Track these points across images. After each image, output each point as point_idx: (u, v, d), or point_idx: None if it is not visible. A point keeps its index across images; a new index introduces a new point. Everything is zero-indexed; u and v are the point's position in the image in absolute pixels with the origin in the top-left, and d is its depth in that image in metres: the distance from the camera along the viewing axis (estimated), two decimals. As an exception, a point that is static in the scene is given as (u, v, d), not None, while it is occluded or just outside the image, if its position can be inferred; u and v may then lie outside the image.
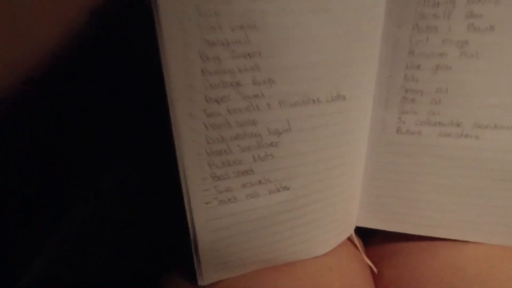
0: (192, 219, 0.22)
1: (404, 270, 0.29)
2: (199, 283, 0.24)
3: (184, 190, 0.21)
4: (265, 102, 0.21)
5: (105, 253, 0.33)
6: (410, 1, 0.22)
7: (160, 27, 0.18)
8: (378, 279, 0.30)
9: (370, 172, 0.28)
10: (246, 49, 0.20)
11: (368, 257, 0.32)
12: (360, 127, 0.25)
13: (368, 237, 0.33)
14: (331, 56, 0.21)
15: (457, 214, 0.26)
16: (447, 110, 0.24)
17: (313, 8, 0.20)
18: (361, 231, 0.34)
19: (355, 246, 0.31)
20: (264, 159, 0.22)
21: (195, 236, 0.22)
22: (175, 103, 0.20)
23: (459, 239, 0.27)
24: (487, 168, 0.24)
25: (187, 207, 0.21)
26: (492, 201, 0.25)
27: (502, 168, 0.24)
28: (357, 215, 0.29)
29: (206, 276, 0.24)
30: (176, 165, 0.21)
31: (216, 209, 0.22)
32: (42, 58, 0.17)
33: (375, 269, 0.30)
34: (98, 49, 0.30)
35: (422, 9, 0.22)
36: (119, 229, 0.34)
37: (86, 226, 0.30)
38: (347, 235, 0.29)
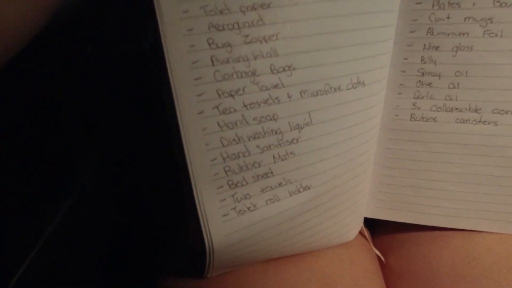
0: (208, 234, 0.18)
1: (414, 261, 0.28)
2: (205, 276, 0.22)
3: (197, 204, 0.18)
4: (285, 93, 0.18)
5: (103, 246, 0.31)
6: (432, -25, 0.20)
7: (160, 13, 0.15)
8: (388, 270, 0.29)
9: (382, 160, 0.26)
10: (261, 32, 0.17)
11: (376, 247, 0.31)
12: (376, 114, 0.24)
13: (375, 226, 0.32)
14: (350, 35, 0.19)
15: (472, 204, 0.26)
16: (466, 95, 0.23)
17: None
18: (368, 221, 0.33)
19: (364, 236, 0.30)
20: (285, 158, 0.19)
21: (211, 251, 0.19)
22: (182, 101, 0.16)
23: (474, 229, 0.27)
24: (504, 155, 0.24)
25: (202, 222, 0.18)
26: (508, 190, 0.25)
27: None
28: (366, 205, 0.28)
29: (215, 272, 0.22)
30: (182, 170, 0.18)
31: (235, 221, 0.19)
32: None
33: (383, 259, 0.30)
34: (96, 43, 0.27)
35: (444, -16, 0.20)
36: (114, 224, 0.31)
37: (83, 226, 0.27)
38: (359, 228, 0.28)
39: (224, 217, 0.18)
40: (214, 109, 0.17)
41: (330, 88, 0.19)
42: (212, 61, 0.16)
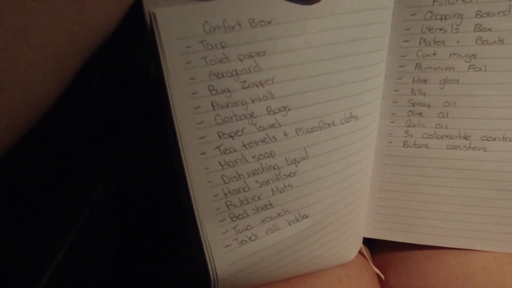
0: (212, 264, 0.20)
1: (411, 278, 0.29)
2: None
3: (201, 237, 0.19)
4: (282, 132, 0.19)
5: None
6: (417, 16, 0.22)
7: (165, 64, 0.16)
8: (386, 287, 0.31)
9: (378, 184, 0.28)
10: (257, 78, 0.18)
11: (375, 265, 0.32)
12: (370, 143, 0.25)
13: (374, 245, 0.33)
14: (342, 75, 0.21)
15: (465, 224, 0.27)
16: (455, 123, 0.24)
17: (323, 28, 0.19)
18: (369, 240, 0.34)
19: (363, 255, 0.31)
20: (283, 190, 0.21)
21: (215, 279, 0.20)
22: (186, 143, 0.18)
23: (468, 248, 0.28)
24: (495, 179, 0.25)
25: (206, 254, 0.19)
26: (499, 211, 0.26)
27: (510, 179, 0.25)
28: (365, 226, 0.29)
29: None
30: (186, 205, 0.19)
31: (237, 251, 0.20)
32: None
33: (382, 277, 0.31)
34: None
35: (429, 24, 0.22)
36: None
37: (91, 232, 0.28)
38: (358, 248, 0.29)
39: (227, 248, 0.20)
40: (215, 150, 0.18)
41: (324, 124, 0.21)
42: (213, 106, 0.18)
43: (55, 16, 0.14)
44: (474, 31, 0.21)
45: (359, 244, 0.29)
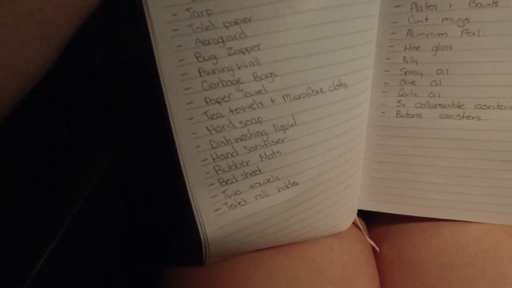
0: (203, 228, 0.20)
1: (405, 249, 0.29)
2: (204, 263, 0.24)
3: (191, 200, 0.20)
4: (268, 98, 0.20)
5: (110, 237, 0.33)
6: (409, -21, 0.21)
7: (152, 32, 0.17)
8: (380, 258, 0.31)
9: (371, 156, 0.28)
10: (243, 44, 0.18)
11: (371, 237, 0.32)
12: (361, 112, 0.25)
13: (370, 217, 0.34)
14: (330, 41, 0.20)
15: (458, 195, 0.27)
16: (448, 92, 0.24)
17: None
18: (363, 212, 0.34)
19: (358, 227, 0.31)
20: (272, 157, 0.21)
21: (206, 242, 0.21)
22: (174, 108, 0.18)
23: (461, 219, 0.28)
24: (489, 149, 0.25)
25: (196, 217, 0.20)
26: (494, 182, 0.25)
27: (505, 148, 0.24)
28: (359, 198, 0.30)
29: (213, 259, 0.24)
30: (178, 171, 0.20)
31: (226, 215, 0.21)
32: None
33: (377, 249, 0.31)
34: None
35: (421, -13, 0.21)
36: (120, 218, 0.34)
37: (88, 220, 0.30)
38: (352, 219, 0.29)
39: (216, 212, 0.20)
40: (203, 115, 0.19)
41: (312, 91, 0.21)
42: (200, 73, 0.18)
43: None
44: (467, -6, 0.21)
45: (353, 215, 0.29)
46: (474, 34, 0.22)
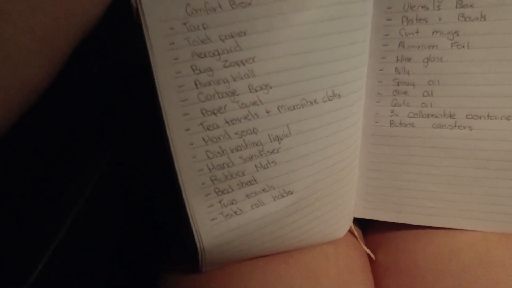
0: (199, 236, 0.21)
1: (400, 256, 0.29)
2: (201, 271, 0.24)
3: (187, 209, 0.20)
4: (263, 109, 0.20)
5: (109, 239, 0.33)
6: (399, -7, 0.22)
7: (150, 45, 0.17)
8: (375, 266, 0.31)
9: (366, 164, 0.28)
10: (238, 57, 0.19)
11: (366, 244, 0.32)
12: (355, 122, 0.25)
13: (366, 225, 0.34)
14: (323, 53, 0.21)
15: (452, 203, 0.27)
16: (440, 102, 0.24)
17: (302, 7, 0.19)
18: (359, 220, 0.34)
19: (353, 234, 0.31)
20: (267, 167, 0.21)
21: (202, 250, 0.21)
22: (171, 120, 0.19)
23: (456, 227, 0.28)
24: (482, 158, 0.25)
25: (193, 226, 0.20)
26: (487, 190, 0.26)
27: (497, 157, 0.25)
28: (355, 206, 0.30)
29: (209, 267, 0.24)
30: (175, 180, 0.20)
31: (222, 225, 0.21)
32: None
33: (373, 256, 0.31)
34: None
35: (411, 1, 0.22)
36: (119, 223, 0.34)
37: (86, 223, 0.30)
38: (348, 227, 0.30)
39: (213, 221, 0.21)
40: (199, 126, 0.19)
41: (307, 102, 0.21)
42: (196, 85, 0.19)
43: (41, 2, 0.15)
44: (456, 7, 0.22)
45: (349, 223, 0.30)
46: (463, 46, 0.22)
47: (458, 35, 0.22)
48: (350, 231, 0.31)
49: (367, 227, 0.34)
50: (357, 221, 0.35)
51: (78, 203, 0.30)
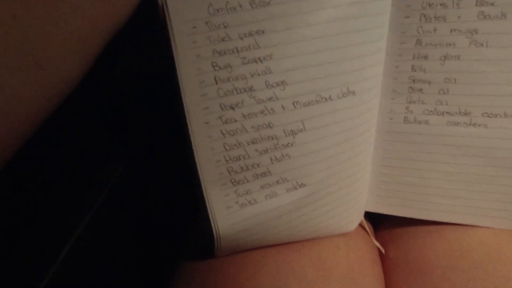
0: (215, 224, 0.22)
1: (410, 252, 0.30)
2: (216, 255, 0.25)
3: (205, 198, 0.21)
4: (279, 105, 0.21)
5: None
6: (418, -9, 0.22)
7: (174, 44, 0.18)
8: (386, 260, 0.32)
9: (379, 160, 0.29)
10: (256, 54, 0.20)
11: (377, 240, 0.33)
12: (370, 119, 0.26)
13: (377, 220, 0.35)
14: (340, 52, 0.21)
15: (465, 200, 0.27)
16: (455, 100, 0.24)
17: (320, 6, 0.20)
18: (371, 215, 0.35)
19: (364, 229, 0.32)
20: (281, 160, 0.22)
21: (218, 237, 0.23)
22: (192, 113, 0.20)
23: (467, 223, 0.28)
24: (495, 156, 0.25)
25: (209, 213, 0.22)
26: (500, 188, 0.26)
27: (511, 156, 0.25)
28: (367, 200, 0.31)
29: (224, 253, 0.25)
30: (193, 170, 0.21)
31: (237, 213, 0.22)
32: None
33: (383, 250, 0.32)
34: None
35: (430, -1, 0.22)
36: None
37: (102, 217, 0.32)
38: (359, 221, 0.30)
39: (228, 209, 0.22)
40: (217, 120, 0.20)
41: (321, 98, 0.22)
42: (216, 80, 0.20)
43: (81, 5, 0.17)
44: (476, 5, 0.21)
45: (360, 217, 0.30)
46: (482, 45, 0.22)
47: (477, 33, 0.22)
48: (361, 225, 0.32)
49: (378, 223, 0.35)
50: (369, 216, 0.36)
51: (96, 201, 0.31)
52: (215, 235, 0.23)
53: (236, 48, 0.19)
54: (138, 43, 0.34)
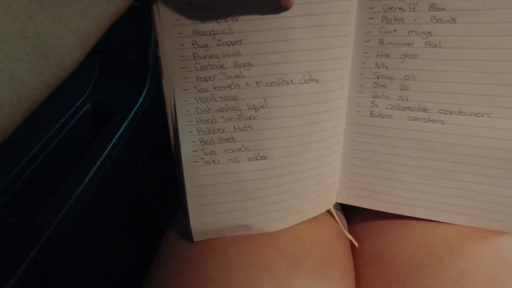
0: (182, 173, 0.27)
1: (380, 248, 0.31)
2: (192, 239, 0.28)
3: (178, 151, 0.26)
4: (244, 82, 0.25)
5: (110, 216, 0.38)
6: (380, -5, 0.25)
7: (159, 20, 0.23)
8: (358, 256, 0.33)
9: (348, 151, 0.31)
10: (229, 38, 0.24)
11: (351, 233, 0.34)
12: (336, 107, 0.28)
13: (353, 214, 0.36)
14: (302, 42, 0.25)
15: (427, 195, 0.28)
16: (415, 96, 0.26)
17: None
18: (347, 208, 0.36)
19: (335, 220, 0.33)
20: (244, 129, 0.26)
21: (183, 189, 0.27)
22: (174, 82, 0.25)
23: (431, 219, 0.29)
24: (454, 152, 0.26)
25: (178, 163, 0.26)
26: (460, 184, 0.26)
27: (468, 152, 0.26)
28: (338, 191, 0.32)
29: (196, 232, 0.28)
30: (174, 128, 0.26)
31: (202, 168, 0.27)
32: None
33: (356, 244, 0.33)
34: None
35: (389, 3, 0.25)
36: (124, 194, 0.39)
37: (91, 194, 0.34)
38: (325, 208, 0.32)
39: (194, 163, 0.27)
40: (193, 88, 0.25)
41: (283, 81, 0.26)
42: (194, 56, 0.25)
43: (90, 7, 0.18)
44: (429, 10, 0.24)
45: (328, 205, 0.32)
46: (436, 46, 0.24)
47: (431, 35, 0.24)
48: (335, 219, 0.33)
49: (353, 216, 0.36)
50: (344, 209, 0.37)
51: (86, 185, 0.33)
52: (181, 185, 0.27)
53: (213, 30, 0.24)
54: (123, 22, 0.38)
